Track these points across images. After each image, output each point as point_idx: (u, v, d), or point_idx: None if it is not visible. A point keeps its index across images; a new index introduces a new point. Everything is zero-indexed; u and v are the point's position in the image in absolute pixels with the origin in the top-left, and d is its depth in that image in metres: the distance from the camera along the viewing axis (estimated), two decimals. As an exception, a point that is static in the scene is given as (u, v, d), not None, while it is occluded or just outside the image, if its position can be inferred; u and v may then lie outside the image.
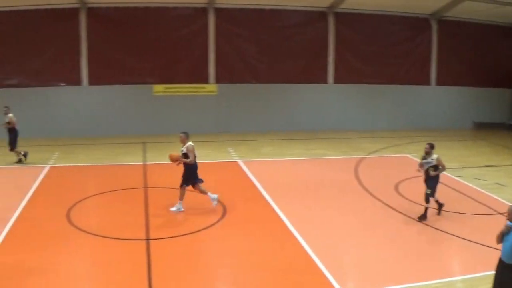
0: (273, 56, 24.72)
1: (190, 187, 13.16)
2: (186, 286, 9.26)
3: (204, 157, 19.22)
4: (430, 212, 12.64)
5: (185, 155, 12.89)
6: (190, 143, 12.95)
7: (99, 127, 23.14)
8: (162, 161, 18.42)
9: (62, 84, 22.93)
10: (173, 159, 13.01)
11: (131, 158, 18.70)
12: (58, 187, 15.35)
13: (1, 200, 13.80)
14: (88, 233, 11.53)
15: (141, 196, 14.22)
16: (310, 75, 25.28)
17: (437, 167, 12.45)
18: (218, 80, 24.44)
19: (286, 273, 9.69)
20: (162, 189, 14.99)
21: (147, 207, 13.32)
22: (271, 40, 24.57)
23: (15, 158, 17.84)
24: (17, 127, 17.71)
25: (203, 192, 13.24)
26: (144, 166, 17.77)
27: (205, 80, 24.31)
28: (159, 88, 23.84)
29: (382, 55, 26.00)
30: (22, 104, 22.07)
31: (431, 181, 12.52)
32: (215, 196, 13.31)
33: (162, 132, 23.35)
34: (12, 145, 17.69)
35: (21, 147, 17.95)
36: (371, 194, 14.74)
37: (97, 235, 11.40)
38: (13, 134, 17.64)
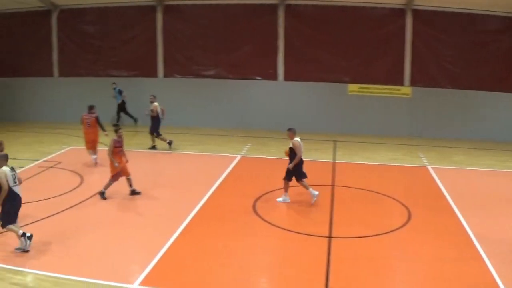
0: (469, 61, 22.96)
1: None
2: (363, 289, 9.02)
3: (394, 160, 18.67)
4: None
5: (292, 150, 13.04)
6: (296, 139, 13.09)
7: (291, 122, 23.47)
8: (352, 160, 18.32)
9: (258, 78, 23.79)
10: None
11: (321, 155, 18.77)
12: (247, 177, 16.00)
13: (192, 185, 14.76)
14: (272, 224, 11.81)
15: (328, 194, 14.18)
16: (506, 84, 23.13)
17: None
18: (413, 83, 23.53)
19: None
20: (349, 188, 14.81)
21: (332, 205, 13.24)
22: (468, 45, 22.89)
23: (150, 144, 19.20)
24: (161, 116, 18.93)
25: (306, 187, 13.25)
26: (333, 164, 17.77)
27: (400, 82, 23.55)
28: (353, 88, 23.64)
29: None
30: (217, 95, 23.38)
31: None
32: (316, 193, 13.22)
33: (354, 132, 23.16)
34: (152, 131, 19.00)
35: (211, 136, 19.00)
36: None
37: (280, 227, 11.63)
38: (155, 122, 18.91)
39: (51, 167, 16.58)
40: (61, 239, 11.13)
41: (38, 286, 9.06)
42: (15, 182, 10.09)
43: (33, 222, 11.84)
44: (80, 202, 13.17)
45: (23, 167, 16.57)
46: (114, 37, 23.80)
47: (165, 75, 23.72)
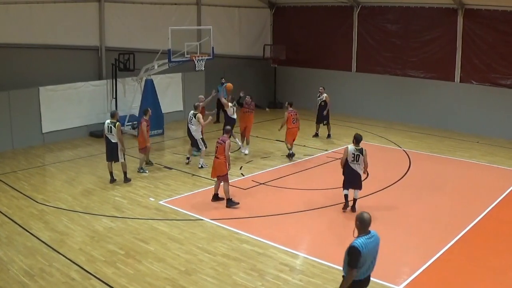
0: None
1: None
2: None
3: None
4: None
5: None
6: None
7: None
8: None
9: None
10: None
11: None
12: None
13: (473, 196, 13.81)
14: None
15: None
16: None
17: None
18: None
19: None
20: None
21: None
22: None
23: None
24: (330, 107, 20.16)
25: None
26: None
27: None
28: None
29: None
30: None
31: None
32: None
33: None
34: (326, 119, 20.15)
35: (500, 148, 17.95)
36: None
37: None
38: (326, 111, 20.00)
39: (339, 158, 17.14)
40: (337, 229, 11.56)
41: (306, 270, 9.55)
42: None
43: (316, 208, 12.57)
44: (362, 197, 13.36)
45: (312, 155, 17.65)
46: (413, 37, 23.35)
47: (461, 80, 22.49)
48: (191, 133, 16.21)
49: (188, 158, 16.47)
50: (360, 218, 6.60)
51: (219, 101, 22.47)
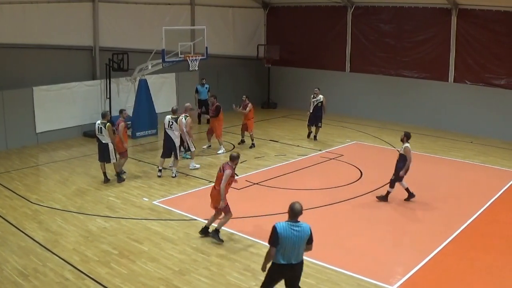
0: None
1: None
2: None
3: None
4: None
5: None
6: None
7: None
8: None
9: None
10: None
11: None
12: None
13: (468, 196, 13.87)
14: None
15: None
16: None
17: None
18: None
19: None
20: None
21: None
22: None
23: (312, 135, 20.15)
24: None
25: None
26: None
27: None
28: None
29: None
30: (504, 105, 21.13)
31: None
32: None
33: None
34: (319, 122, 19.77)
35: (494, 148, 17.99)
36: None
37: None
38: (321, 113, 19.69)
39: (332, 158, 17.27)
40: (332, 229, 11.56)
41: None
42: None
43: (310, 208, 12.53)
44: (356, 197, 13.44)
45: (306, 155, 17.68)
46: (407, 37, 23.40)
47: (455, 80, 22.54)
48: (171, 139, 14.88)
49: (160, 171, 15.17)
50: (291, 207, 7.18)
51: (200, 101, 22.50)
